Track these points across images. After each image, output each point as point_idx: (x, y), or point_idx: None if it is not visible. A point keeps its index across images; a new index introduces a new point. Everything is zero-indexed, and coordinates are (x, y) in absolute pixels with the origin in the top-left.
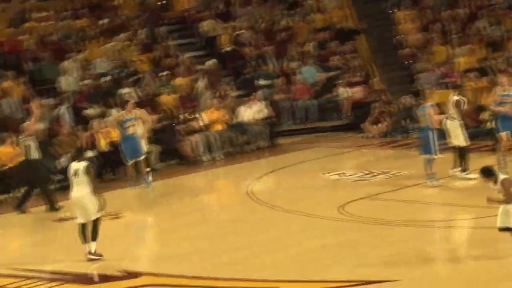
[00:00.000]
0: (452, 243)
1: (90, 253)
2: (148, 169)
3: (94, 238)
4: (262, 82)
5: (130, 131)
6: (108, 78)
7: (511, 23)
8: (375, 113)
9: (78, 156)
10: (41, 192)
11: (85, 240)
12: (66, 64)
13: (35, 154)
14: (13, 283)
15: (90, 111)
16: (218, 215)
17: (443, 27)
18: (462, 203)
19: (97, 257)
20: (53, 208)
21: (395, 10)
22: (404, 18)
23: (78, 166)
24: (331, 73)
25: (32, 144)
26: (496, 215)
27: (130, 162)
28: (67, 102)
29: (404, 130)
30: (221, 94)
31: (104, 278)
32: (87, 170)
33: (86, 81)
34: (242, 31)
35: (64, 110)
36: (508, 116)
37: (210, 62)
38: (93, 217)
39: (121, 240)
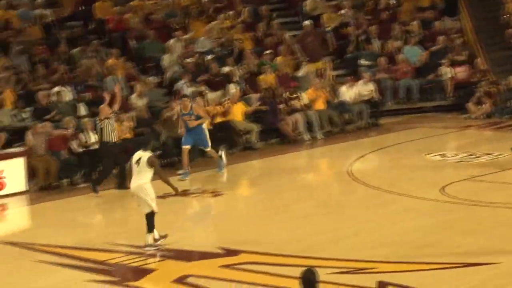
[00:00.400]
0: None
1: (149, 245)
2: (220, 153)
3: (150, 230)
4: (364, 62)
5: (190, 124)
6: (211, 56)
7: None
8: (480, 94)
9: (145, 145)
10: (119, 173)
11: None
12: (171, 43)
13: (109, 137)
14: (115, 258)
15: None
16: (318, 194)
17: None
18: None
19: (155, 247)
20: (123, 186)
21: None
22: None
23: (142, 155)
24: (433, 48)
25: (108, 127)
26: None
27: (185, 148)
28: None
29: (509, 111)
30: (321, 72)
31: (204, 255)
32: (150, 162)
33: (188, 60)
34: (345, 10)
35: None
36: None
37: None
38: (148, 209)
39: (221, 218)
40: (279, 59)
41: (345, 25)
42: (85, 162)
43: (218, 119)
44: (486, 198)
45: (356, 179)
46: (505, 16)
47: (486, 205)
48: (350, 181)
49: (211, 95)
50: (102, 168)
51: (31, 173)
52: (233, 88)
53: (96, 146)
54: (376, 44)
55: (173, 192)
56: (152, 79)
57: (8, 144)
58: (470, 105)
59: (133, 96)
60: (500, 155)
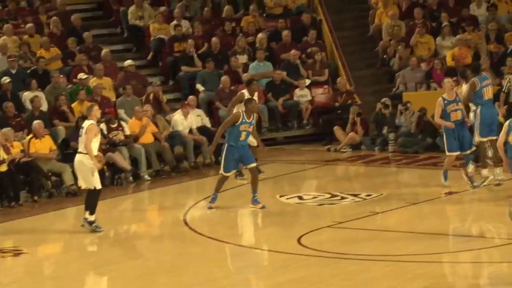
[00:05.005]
0: (430, 278)
1: None
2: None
3: None
4: (200, 86)
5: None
6: (6, 79)
7: None
8: (350, 120)
9: None
10: None
11: None
12: None
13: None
14: None
15: None
16: (152, 249)
17: (429, 12)
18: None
19: None
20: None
21: None
22: (381, 1)
23: None
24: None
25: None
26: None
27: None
28: None
29: (381, 142)
30: (150, 98)
31: None
32: None
33: None
34: (178, 19)
35: None
36: None
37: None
38: None
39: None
40: (93, 80)
41: (178, 38)
42: None
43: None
44: (353, 249)
45: (195, 229)
46: (374, 25)
47: (353, 257)
48: (187, 232)
49: (6, 131)
50: None
51: None
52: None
53: None
54: (215, 61)
55: None
56: None
57: None
58: (337, 133)
59: None
60: (369, 196)
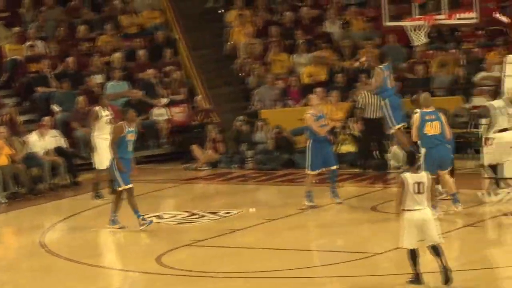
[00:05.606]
0: None
1: None
2: None
3: None
4: (56, 107)
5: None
6: None
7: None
8: (209, 138)
9: None
10: None
11: None
12: None
13: None
14: None
15: None
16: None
17: (284, 30)
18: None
19: None
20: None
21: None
22: (236, 20)
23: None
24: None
25: None
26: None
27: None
28: None
29: (238, 160)
30: (5, 120)
31: None
32: None
33: None
34: (33, 40)
35: None
36: None
37: None
38: None
39: None
40: None
41: (33, 59)
42: None
43: None
44: (213, 267)
45: (53, 251)
46: (230, 43)
47: (213, 275)
48: (45, 254)
49: None
50: None
51: None
52: None
53: None
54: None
55: None
56: None
57: None
58: (195, 152)
59: None
60: (228, 213)
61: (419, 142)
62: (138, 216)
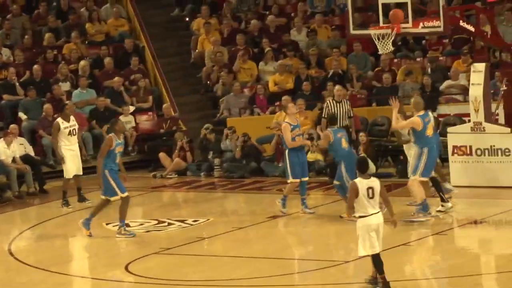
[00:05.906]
0: None
1: None
2: None
3: None
4: (24, 112)
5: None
6: None
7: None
8: (178, 146)
9: None
10: None
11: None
12: None
13: None
14: None
15: None
16: None
17: (251, 38)
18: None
19: None
20: None
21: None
22: (203, 28)
23: None
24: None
25: None
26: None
27: None
28: None
29: (207, 168)
30: None
31: None
32: None
33: None
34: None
35: None
36: None
37: None
38: None
39: None
40: None
41: (1, 66)
42: None
43: None
44: (180, 275)
45: (20, 259)
46: (196, 51)
47: (181, 283)
48: (13, 262)
49: None
50: None
51: None
52: None
53: None
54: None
55: None
56: None
57: None
58: (163, 160)
59: None
60: (196, 221)
61: (413, 144)
62: (122, 225)
